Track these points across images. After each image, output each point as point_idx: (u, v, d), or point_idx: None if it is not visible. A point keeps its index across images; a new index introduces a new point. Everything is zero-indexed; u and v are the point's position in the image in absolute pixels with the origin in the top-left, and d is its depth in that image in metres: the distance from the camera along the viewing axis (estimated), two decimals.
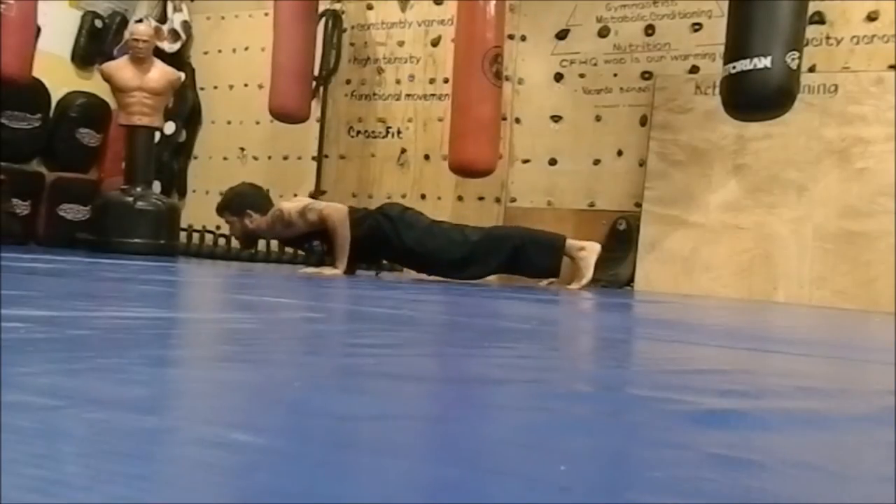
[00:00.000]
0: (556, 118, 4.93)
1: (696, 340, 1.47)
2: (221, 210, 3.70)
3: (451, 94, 4.67)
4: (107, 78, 4.58)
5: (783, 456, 0.48)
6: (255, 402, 0.55)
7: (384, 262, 4.02)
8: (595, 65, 4.84)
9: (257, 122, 5.75)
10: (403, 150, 5.30)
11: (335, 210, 3.47)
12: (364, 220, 3.56)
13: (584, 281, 3.57)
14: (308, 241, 3.71)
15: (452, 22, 4.79)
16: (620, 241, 4.47)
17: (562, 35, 4.93)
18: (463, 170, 4.49)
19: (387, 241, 3.58)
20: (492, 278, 4.11)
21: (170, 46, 5.70)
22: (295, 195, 5.62)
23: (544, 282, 3.81)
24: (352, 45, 5.56)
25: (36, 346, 0.69)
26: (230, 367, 0.70)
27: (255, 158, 5.84)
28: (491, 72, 4.39)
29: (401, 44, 5.41)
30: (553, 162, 4.86)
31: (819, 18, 4.27)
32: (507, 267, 3.72)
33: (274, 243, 5.36)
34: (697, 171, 4.40)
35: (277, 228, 3.56)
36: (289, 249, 5.33)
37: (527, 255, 3.63)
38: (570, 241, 3.68)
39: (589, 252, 3.63)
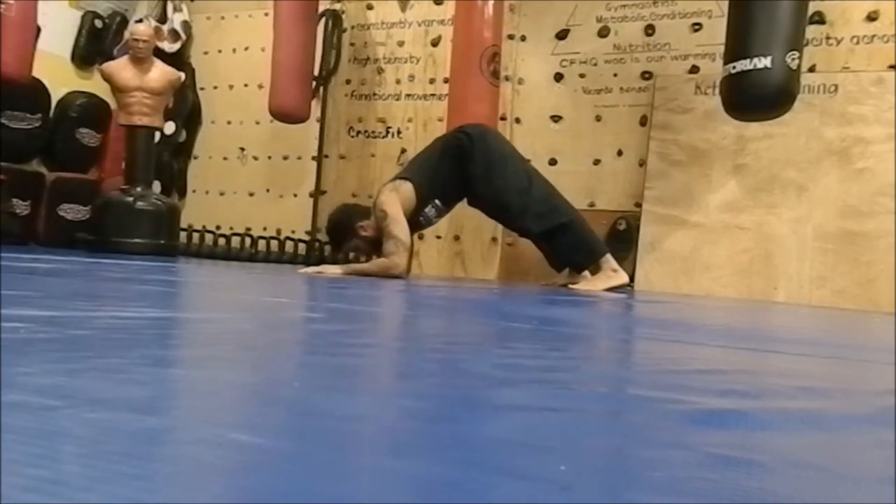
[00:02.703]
0: (556, 118, 4.93)
1: (696, 340, 1.47)
2: (340, 243, 3.58)
3: (448, 93, 4.67)
4: (107, 78, 4.58)
5: (783, 456, 0.48)
6: (255, 402, 0.55)
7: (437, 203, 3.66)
8: (595, 65, 4.84)
9: (257, 122, 5.75)
10: (403, 150, 5.29)
11: (395, 188, 3.42)
12: (443, 138, 3.61)
13: (591, 288, 3.51)
14: (421, 212, 3.55)
15: (452, 22, 4.79)
16: (620, 241, 4.47)
17: (562, 35, 4.93)
18: None
19: (460, 159, 3.50)
20: (493, 277, 4.11)
21: (170, 46, 5.70)
22: (295, 195, 5.65)
23: (560, 279, 3.78)
24: (352, 45, 5.56)
25: (36, 346, 0.69)
26: (230, 367, 0.70)
27: (255, 158, 5.85)
28: (488, 70, 4.39)
29: (401, 44, 5.41)
30: (553, 162, 4.86)
31: (819, 18, 4.27)
32: (544, 239, 3.61)
33: (274, 243, 5.36)
34: (697, 171, 4.40)
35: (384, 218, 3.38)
36: (289, 249, 5.34)
37: (565, 240, 3.55)
38: (608, 257, 3.59)
39: (617, 278, 3.54)
